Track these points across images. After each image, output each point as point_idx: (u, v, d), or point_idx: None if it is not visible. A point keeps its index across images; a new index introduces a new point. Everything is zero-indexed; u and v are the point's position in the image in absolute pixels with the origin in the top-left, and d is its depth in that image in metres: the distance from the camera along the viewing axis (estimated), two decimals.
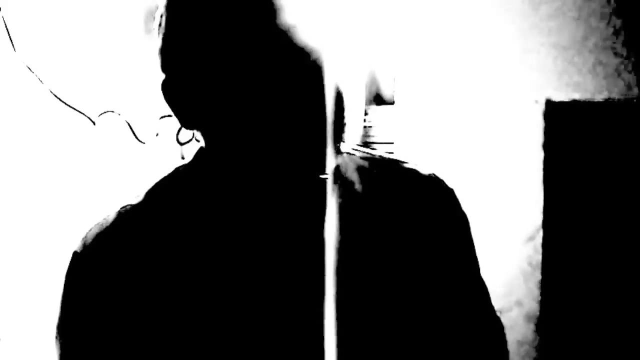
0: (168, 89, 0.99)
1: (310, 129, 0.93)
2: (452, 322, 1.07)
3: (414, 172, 1.10)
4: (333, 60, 0.94)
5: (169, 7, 0.98)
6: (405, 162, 1.12)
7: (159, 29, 1.00)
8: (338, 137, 0.95)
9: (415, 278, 1.04)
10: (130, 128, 2.17)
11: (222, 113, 0.95)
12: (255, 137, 0.93)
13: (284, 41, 0.91)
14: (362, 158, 1.10)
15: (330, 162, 0.95)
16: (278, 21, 0.91)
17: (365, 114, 2.56)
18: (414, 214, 1.06)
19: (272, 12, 0.91)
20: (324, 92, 0.93)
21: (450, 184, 1.13)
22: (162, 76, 1.01)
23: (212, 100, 0.95)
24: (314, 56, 0.92)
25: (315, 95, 0.92)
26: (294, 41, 0.92)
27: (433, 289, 1.05)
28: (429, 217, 1.07)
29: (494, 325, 1.13)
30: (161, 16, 0.99)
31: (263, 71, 0.91)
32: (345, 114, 0.96)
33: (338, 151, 0.96)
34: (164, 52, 0.99)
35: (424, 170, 1.11)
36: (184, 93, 0.98)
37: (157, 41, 1.00)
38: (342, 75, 0.95)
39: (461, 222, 1.11)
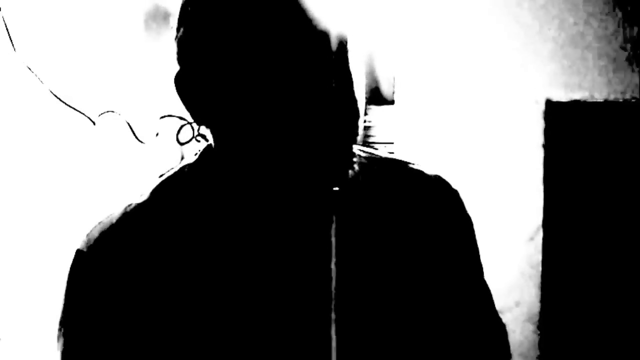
0: (182, 82, 0.98)
1: (323, 132, 0.92)
2: (456, 324, 1.07)
3: (419, 173, 1.10)
4: (351, 61, 0.94)
5: None
6: (411, 163, 1.11)
7: (181, 19, 0.98)
8: (352, 140, 0.95)
9: (419, 280, 1.04)
10: (130, 128, 2.16)
11: (236, 109, 0.94)
12: (268, 136, 0.93)
13: (305, 41, 0.91)
14: (367, 158, 1.09)
15: (343, 166, 0.94)
16: (301, 22, 0.91)
17: (365, 114, 2.56)
18: (418, 215, 1.06)
19: (295, 14, 0.91)
20: (339, 95, 0.92)
21: (454, 185, 1.12)
22: (176, 68, 0.99)
23: (228, 95, 0.94)
24: (334, 58, 0.92)
25: (331, 97, 0.92)
26: (315, 41, 0.91)
27: (437, 291, 1.05)
28: (433, 218, 1.07)
29: (497, 328, 1.13)
30: (185, 6, 0.97)
31: (282, 70, 0.91)
32: (360, 115, 0.96)
33: (351, 155, 0.96)
34: (183, 43, 0.97)
35: (429, 171, 1.11)
36: (199, 86, 0.96)
37: (177, 32, 0.98)
38: (357, 76, 0.95)
39: (466, 225, 1.11)
